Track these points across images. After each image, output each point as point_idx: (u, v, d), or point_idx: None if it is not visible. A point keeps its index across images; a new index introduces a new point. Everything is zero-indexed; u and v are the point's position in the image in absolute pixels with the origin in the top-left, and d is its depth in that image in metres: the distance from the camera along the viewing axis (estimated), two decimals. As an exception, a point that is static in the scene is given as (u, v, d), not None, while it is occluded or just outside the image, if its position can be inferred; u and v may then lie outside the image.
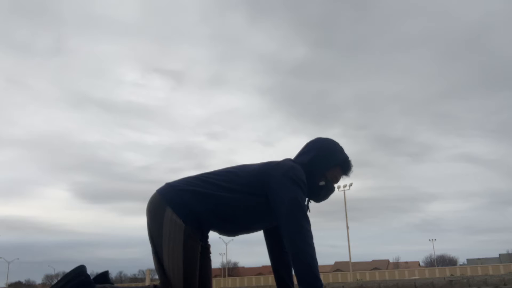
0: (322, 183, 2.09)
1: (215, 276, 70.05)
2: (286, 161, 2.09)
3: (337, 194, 45.26)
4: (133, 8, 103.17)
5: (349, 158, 2.16)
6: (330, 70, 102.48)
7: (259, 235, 2.31)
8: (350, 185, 40.60)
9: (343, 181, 2.20)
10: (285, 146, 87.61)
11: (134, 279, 75.10)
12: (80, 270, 2.02)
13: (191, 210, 2.01)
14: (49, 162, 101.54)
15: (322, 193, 2.13)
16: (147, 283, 48.43)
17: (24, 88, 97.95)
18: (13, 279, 79.30)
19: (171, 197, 2.05)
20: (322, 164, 2.10)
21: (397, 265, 74.45)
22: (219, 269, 74.25)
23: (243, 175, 2.08)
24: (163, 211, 2.03)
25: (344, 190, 43.18)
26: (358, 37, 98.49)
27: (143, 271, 67.13)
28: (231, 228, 2.11)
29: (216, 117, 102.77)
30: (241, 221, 2.07)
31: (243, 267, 79.35)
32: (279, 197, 1.96)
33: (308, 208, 2.13)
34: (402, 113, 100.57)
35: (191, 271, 2.00)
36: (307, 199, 2.12)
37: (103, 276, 2.14)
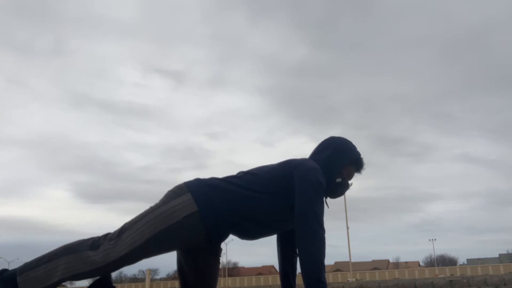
0: (339, 179, 2.14)
1: (215, 276, 69.75)
2: (307, 161, 2.08)
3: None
4: (134, 8, 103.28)
5: (361, 156, 2.22)
6: (330, 70, 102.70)
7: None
8: (350, 184, 40.51)
9: (354, 179, 2.25)
10: (285, 146, 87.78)
11: (134, 279, 75.03)
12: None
13: (214, 207, 1.96)
14: (49, 162, 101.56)
15: (339, 189, 2.17)
16: (147, 283, 48.35)
17: (25, 88, 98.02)
18: (13, 279, 78.80)
19: (196, 188, 1.99)
20: (338, 162, 2.14)
21: (397, 265, 74.45)
22: (219, 269, 73.97)
23: (265, 176, 2.06)
24: (182, 194, 1.97)
25: (344, 190, 43.09)
26: (358, 37, 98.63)
27: (143, 271, 66.93)
28: (253, 230, 2.06)
29: (216, 117, 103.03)
30: (264, 222, 2.04)
31: (243, 267, 79.32)
32: (297, 201, 1.97)
33: (326, 204, 2.16)
34: (402, 113, 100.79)
35: (146, 249, 1.93)
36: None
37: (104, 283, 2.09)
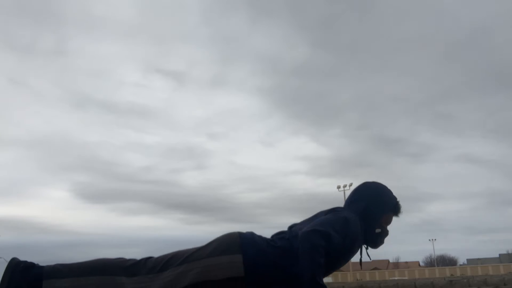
0: (378, 230, 2.14)
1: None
2: (341, 213, 2.06)
3: (337, 194, 45.30)
4: (135, 8, 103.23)
5: (398, 200, 2.20)
6: (331, 71, 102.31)
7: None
8: (350, 185, 40.50)
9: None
10: (286, 147, 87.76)
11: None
12: (15, 261, 1.93)
13: (258, 278, 1.91)
14: (50, 162, 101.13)
15: (379, 239, 2.16)
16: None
17: (26, 89, 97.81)
18: (13, 279, 78.74)
19: (248, 250, 1.92)
20: (377, 212, 2.13)
21: (397, 265, 74.36)
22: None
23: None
24: (233, 252, 1.91)
25: (344, 190, 43.22)
26: (358, 37, 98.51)
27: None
28: None
29: (216, 117, 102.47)
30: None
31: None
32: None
33: (368, 256, 2.17)
34: (403, 113, 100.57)
35: None
36: (364, 246, 2.16)
37: None
